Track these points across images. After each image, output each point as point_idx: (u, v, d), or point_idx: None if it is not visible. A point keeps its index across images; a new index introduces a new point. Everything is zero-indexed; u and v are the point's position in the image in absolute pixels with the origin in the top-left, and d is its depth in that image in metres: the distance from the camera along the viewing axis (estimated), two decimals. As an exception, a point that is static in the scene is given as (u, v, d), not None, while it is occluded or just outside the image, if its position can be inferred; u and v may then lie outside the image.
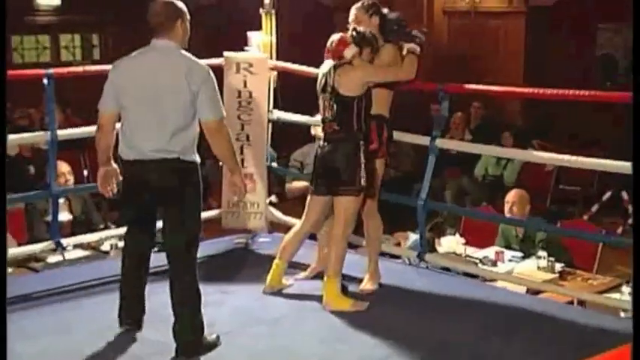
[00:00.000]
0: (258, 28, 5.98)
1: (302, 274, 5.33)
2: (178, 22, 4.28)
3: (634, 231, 2.57)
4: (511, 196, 6.66)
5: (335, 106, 4.84)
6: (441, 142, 5.55)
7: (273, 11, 5.86)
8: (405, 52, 4.95)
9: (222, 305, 4.99)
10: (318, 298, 4.93)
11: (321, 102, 4.93)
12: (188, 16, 4.34)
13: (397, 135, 5.34)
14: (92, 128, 5.77)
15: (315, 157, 5.04)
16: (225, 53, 5.89)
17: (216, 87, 4.28)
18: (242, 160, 5.94)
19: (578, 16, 11.00)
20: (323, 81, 4.90)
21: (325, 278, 4.91)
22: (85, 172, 9.68)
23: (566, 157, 5.22)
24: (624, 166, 4.53)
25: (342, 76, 4.82)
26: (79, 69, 6.71)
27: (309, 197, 5.08)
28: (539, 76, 9.91)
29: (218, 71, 5.81)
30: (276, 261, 5.13)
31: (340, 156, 4.85)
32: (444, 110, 5.47)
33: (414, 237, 5.95)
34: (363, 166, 4.82)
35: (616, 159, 4.78)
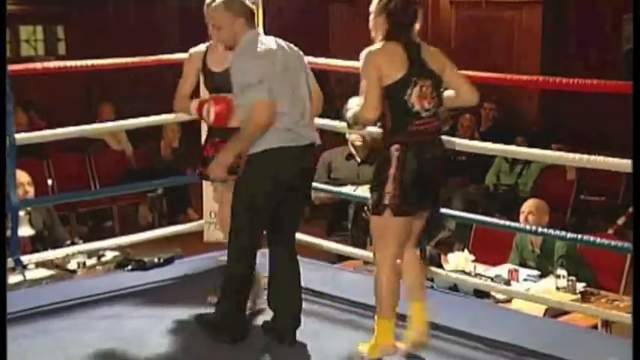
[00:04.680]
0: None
1: None
2: None
3: (634, 231, 2.54)
4: (527, 205, 6.67)
5: (437, 95, 4.42)
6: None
7: (259, 2, 5.87)
8: None
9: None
10: (308, 322, 4.93)
11: (412, 88, 4.34)
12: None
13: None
14: (58, 131, 5.84)
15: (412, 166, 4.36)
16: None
17: None
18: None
19: (601, 5, 10.99)
20: (409, 60, 4.35)
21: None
22: (50, 182, 9.66)
23: (592, 157, 5.12)
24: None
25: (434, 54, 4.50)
26: (38, 66, 6.66)
27: (393, 220, 4.38)
28: (558, 73, 9.91)
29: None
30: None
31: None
32: None
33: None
34: None
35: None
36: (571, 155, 5.12)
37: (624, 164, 4.81)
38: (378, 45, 4.36)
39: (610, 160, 4.87)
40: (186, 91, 5.15)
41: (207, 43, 5.12)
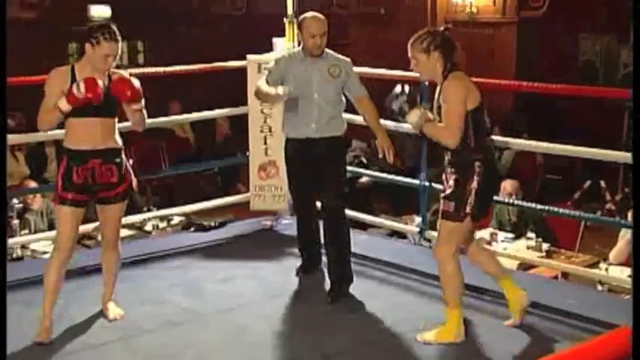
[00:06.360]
0: (282, 34, 5.94)
1: None
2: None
3: (634, 229, 2.44)
4: (505, 183, 6.59)
5: None
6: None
7: (295, 20, 5.81)
8: None
9: (249, 279, 4.97)
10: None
11: (484, 110, 3.95)
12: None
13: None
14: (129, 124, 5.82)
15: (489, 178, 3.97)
16: (248, 56, 5.85)
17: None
18: (266, 149, 5.89)
19: (563, 26, 10.93)
20: (474, 85, 3.93)
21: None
22: (131, 162, 9.61)
23: (556, 145, 5.01)
24: (607, 155, 4.70)
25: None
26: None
27: (467, 223, 4.01)
28: (529, 79, 9.80)
29: (243, 71, 5.80)
30: None
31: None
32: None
33: (418, 219, 5.89)
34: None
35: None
36: (567, 147, 5.01)
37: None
38: (453, 75, 3.84)
39: (604, 151, 4.79)
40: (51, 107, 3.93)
41: (70, 65, 4.06)
